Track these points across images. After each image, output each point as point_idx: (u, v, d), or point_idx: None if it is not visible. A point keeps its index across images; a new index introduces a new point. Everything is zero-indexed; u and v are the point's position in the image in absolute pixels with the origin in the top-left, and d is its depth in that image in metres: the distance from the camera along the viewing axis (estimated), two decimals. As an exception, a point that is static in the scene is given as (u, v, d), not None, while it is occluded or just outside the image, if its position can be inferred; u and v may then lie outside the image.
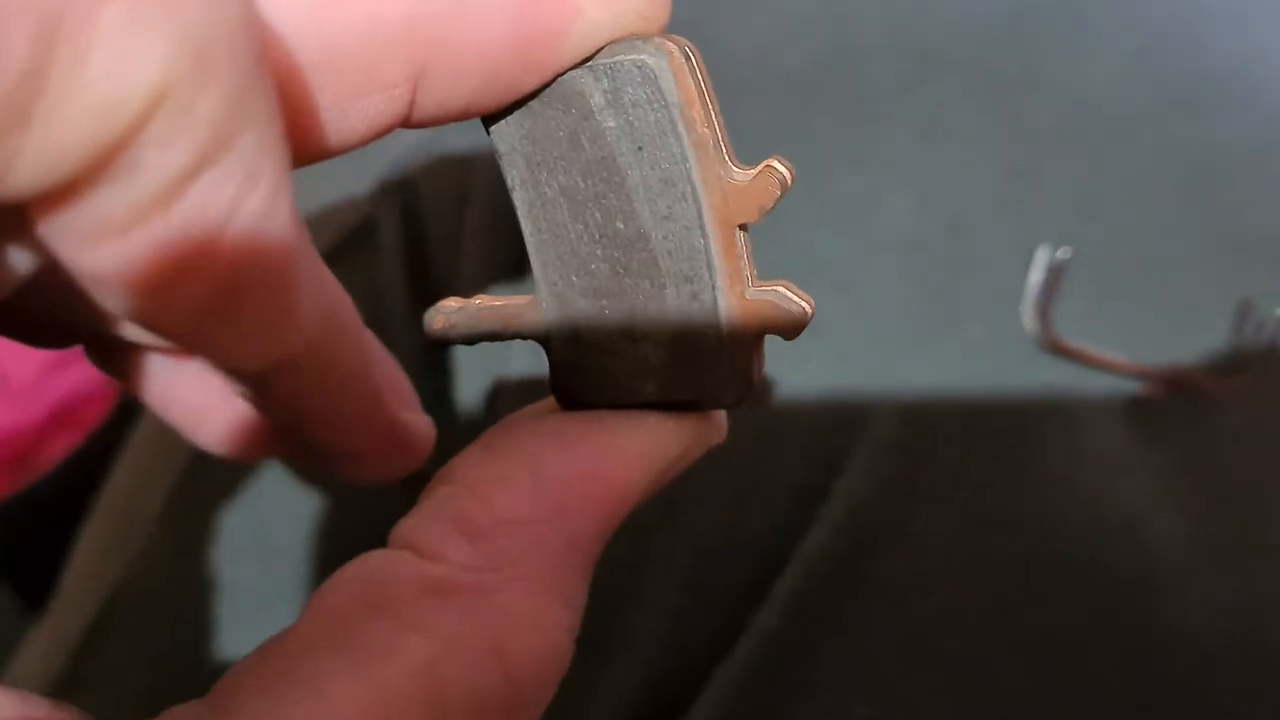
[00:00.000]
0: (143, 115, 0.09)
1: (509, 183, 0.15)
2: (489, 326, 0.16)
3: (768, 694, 0.23)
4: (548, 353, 0.15)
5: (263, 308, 0.11)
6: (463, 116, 0.14)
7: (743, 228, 0.14)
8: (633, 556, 0.25)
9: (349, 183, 0.29)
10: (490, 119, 0.14)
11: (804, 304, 0.14)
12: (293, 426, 0.16)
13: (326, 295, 0.13)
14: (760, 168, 0.14)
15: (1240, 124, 0.25)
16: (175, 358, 0.17)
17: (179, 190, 0.10)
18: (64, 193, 0.09)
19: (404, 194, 0.27)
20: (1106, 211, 0.24)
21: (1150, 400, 0.23)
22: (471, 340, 0.16)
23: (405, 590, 0.13)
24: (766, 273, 0.14)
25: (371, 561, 0.13)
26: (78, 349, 0.16)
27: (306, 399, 0.15)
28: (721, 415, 0.16)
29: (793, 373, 0.25)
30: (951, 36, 0.26)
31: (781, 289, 0.14)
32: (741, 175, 0.14)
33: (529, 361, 0.26)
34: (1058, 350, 0.23)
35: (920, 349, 0.24)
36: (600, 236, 0.15)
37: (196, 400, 0.18)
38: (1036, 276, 0.23)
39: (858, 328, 0.25)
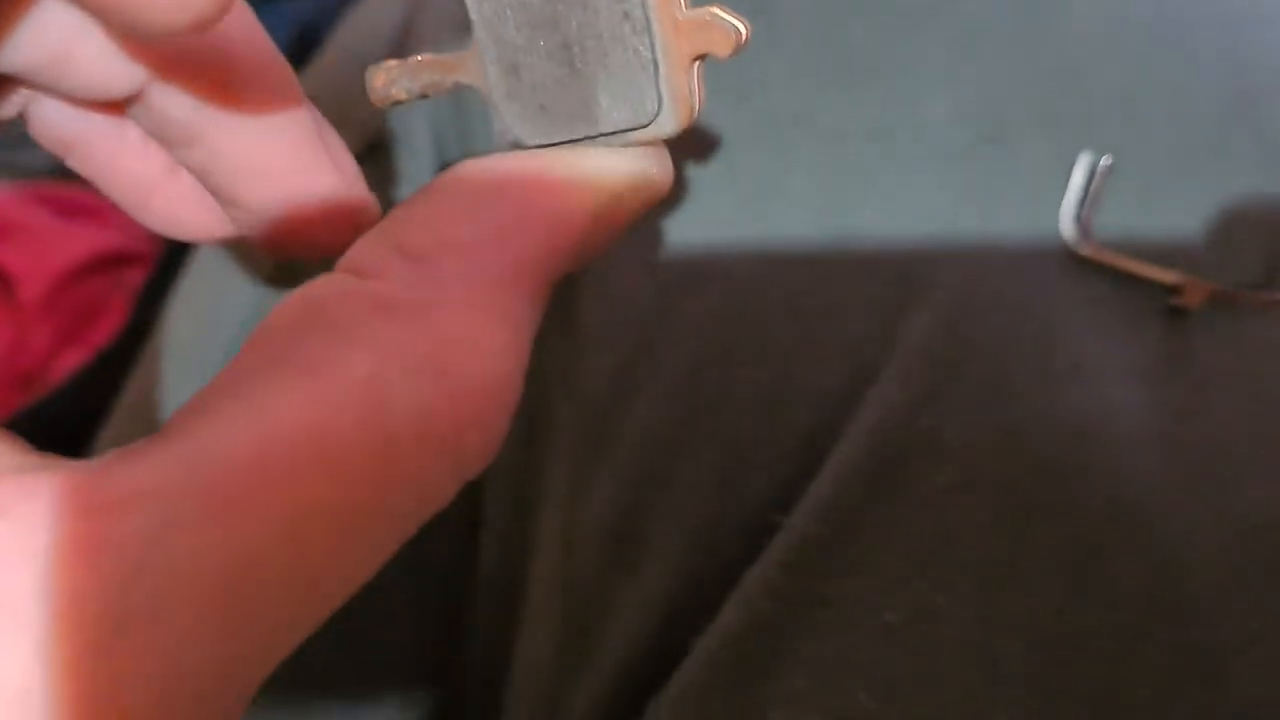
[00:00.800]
0: None
1: None
2: (430, 77, 0.16)
3: (798, 596, 0.23)
4: (487, 99, 0.16)
5: None
6: None
7: None
8: (664, 457, 0.25)
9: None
10: None
11: (738, 22, 0.14)
12: (224, 189, 0.17)
13: None
14: None
15: None
16: (116, 118, 0.18)
17: None
18: None
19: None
20: (1148, 123, 0.24)
21: (1185, 310, 0.23)
22: (416, 96, 0.16)
23: (346, 308, 0.13)
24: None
25: (314, 286, 0.14)
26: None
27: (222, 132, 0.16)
28: (664, 151, 0.16)
29: (827, 278, 0.25)
30: None
31: (715, 9, 0.14)
32: None
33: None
34: (1095, 259, 0.23)
35: (956, 259, 0.24)
36: None
37: (140, 173, 0.18)
38: (1076, 184, 0.24)
39: (894, 237, 0.25)
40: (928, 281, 0.24)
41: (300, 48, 0.44)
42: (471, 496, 0.28)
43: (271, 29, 0.17)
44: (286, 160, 0.17)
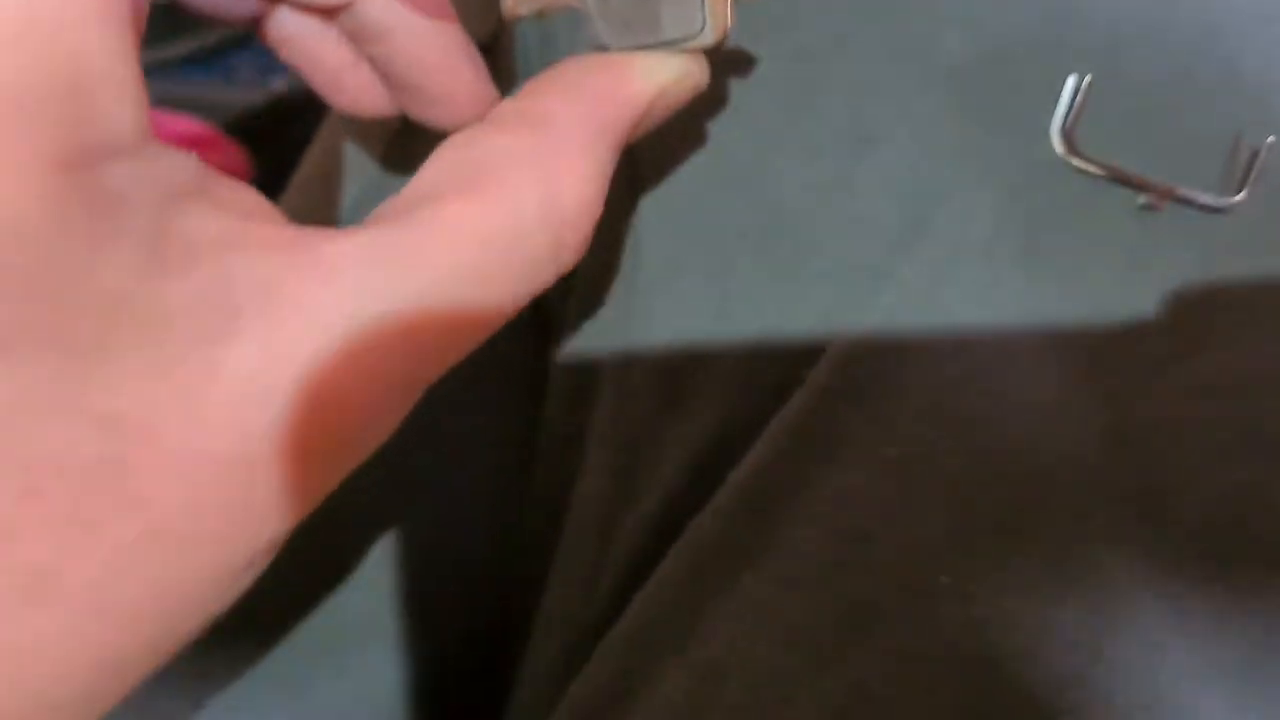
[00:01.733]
0: None
1: None
2: (547, 2, 0.24)
3: (813, 435, 0.28)
4: (586, 15, 0.23)
5: None
6: None
7: None
8: (707, 323, 0.30)
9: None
10: None
11: None
12: (399, 77, 0.24)
13: None
14: None
15: None
16: (321, 23, 0.25)
17: None
18: None
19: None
20: (1129, 54, 0.29)
21: (1153, 209, 0.28)
22: (534, 13, 0.24)
23: (494, 149, 0.20)
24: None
25: (467, 135, 0.21)
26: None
27: (403, 33, 0.23)
28: (703, 58, 0.23)
29: (851, 184, 0.29)
30: None
31: None
32: None
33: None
34: (1078, 167, 0.28)
35: (964, 165, 0.29)
36: None
37: (334, 63, 0.25)
38: (1064, 102, 0.28)
39: (909, 146, 0.29)
40: (941, 184, 0.29)
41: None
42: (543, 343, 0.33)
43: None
44: (445, 56, 0.24)
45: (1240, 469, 0.26)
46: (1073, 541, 0.26)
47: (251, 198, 0.18)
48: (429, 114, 0.25)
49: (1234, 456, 0.26)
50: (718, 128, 0.30)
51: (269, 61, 0.82)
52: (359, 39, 0.24)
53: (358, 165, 0.35)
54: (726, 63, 0.29)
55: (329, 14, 0.24)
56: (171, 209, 0.16)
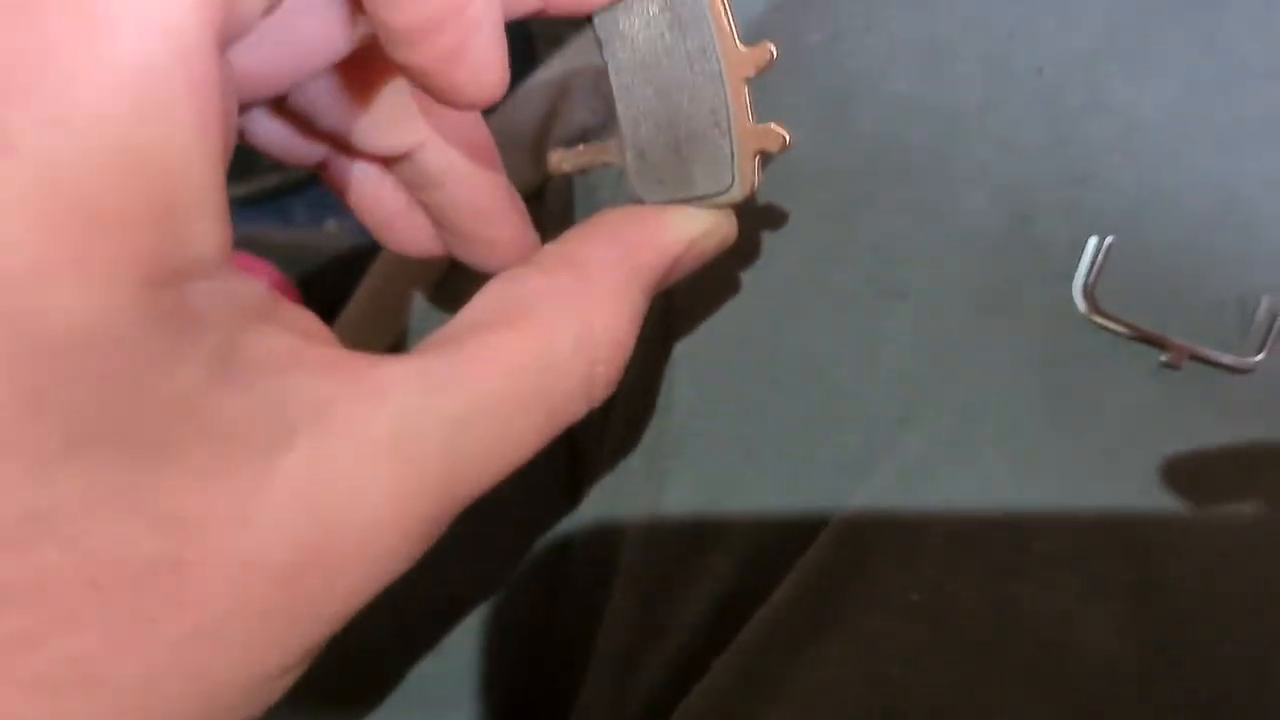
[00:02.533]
0: None
1: (604, 59, 0.24)
2: (587, 159, 0.26)
3: (840, 577, 0.28)
4: (624, 172, 0.25)
5: (474, 58, 0.20)
6: (575, 12, 0.23)
7: (746, 80, 0.23)
8: (735, 463, 0.30)
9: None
10: (593, 15, 0.23)
11: (786, 134, 0.23)
12: (450, 222, 0.26)
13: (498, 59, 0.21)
14: (757, 45, 0.22)
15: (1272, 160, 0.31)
16: (380, 171, 0.27)
17: None
18: None
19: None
20: (1149, 219, 0.30)
21: (1173, 367, 0.28)
22: (577, 170, 0.27)
23: (540, 291, 0.21)
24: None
25: (515, 275, 0.22)
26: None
27: (456, 182, 0.26)
28: (732, 214, 0.25)
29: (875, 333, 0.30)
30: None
31: (773, 125, 0.23)
32: (745, 47, 0.22)
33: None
34: (1100, 321, 0.29)
35: (988, 319, 0.30)
36: (659, 91, 0.24)
37: (390, 207, 0.28)
38: (1086, 260, 0.29)
39: (934, 300, 0.30)
40: (958, 345, 0.29)
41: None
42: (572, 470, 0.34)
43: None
44: (494, 205, 0.26)
45: (1259, 636, 0.26)
46: (1101, 701, 0.26)
47: (312, 323, 0.19)
48: (476, 257, 0.27)
49: (1255, 623, 0.26)
50: (749, 277, 0.31)
51: (323, 205, 0.86)
52: (415, 186, 0.26)
53: (404, 301, 0.36)
54: (758, 215, 0.31)
55: (389, 162, 0.26)
56: (241, 327, 0.17)
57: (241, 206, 0.85)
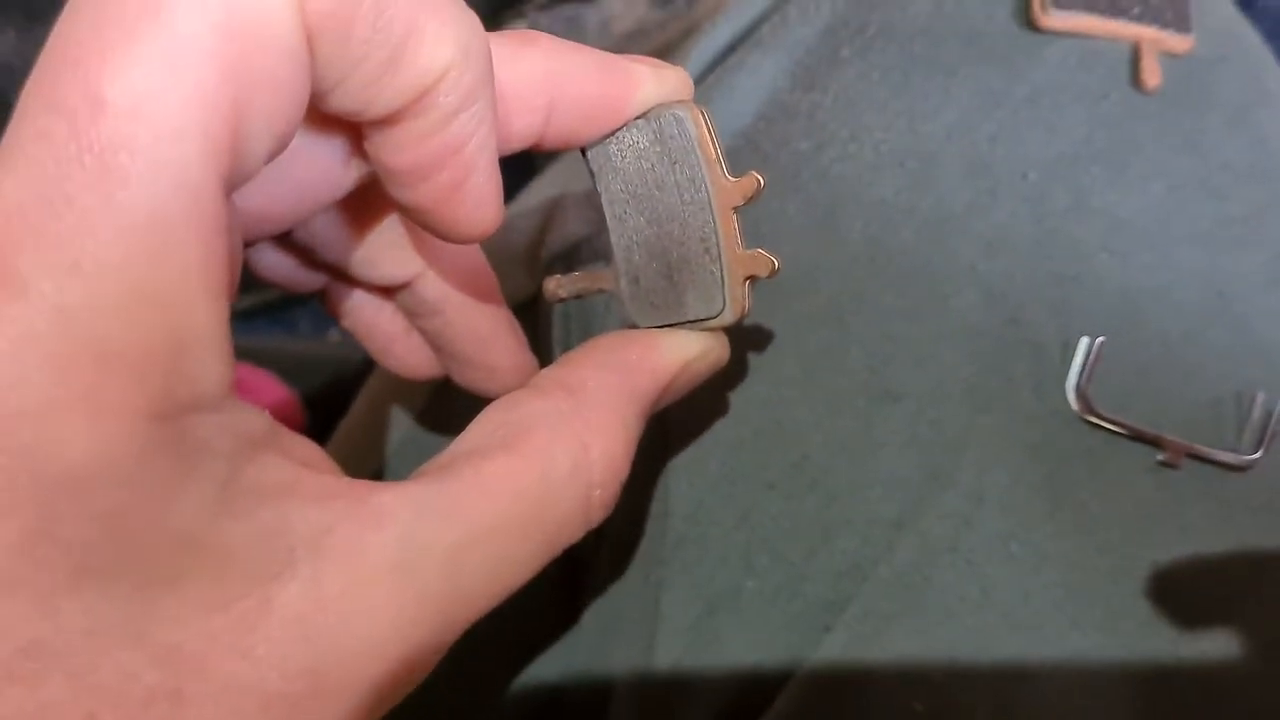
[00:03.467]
0: (438, 79, 0.18)
1: (597, 190, 0.25)
2: (582, 285, 0.26)
3: (838, 687, 0.28)
4: (618, 297, 0.25)
5: (471, 196, 0.21)
6: (568, 145, 0.24)
7: (735, 210, 0.23)
8: (733, 574, 0.30)
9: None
10: (586, 149, 0.24)
11: (775, 260, 0.23)
12: (448, 347, 0.27)
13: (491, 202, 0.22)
14: (745, 175, 0.23)
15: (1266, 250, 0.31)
16: (380, 298, 0.28)
17: (450, 121, 0.19)
18: (394, 117, 0.19)
19: (567, 271, 0.34)
20: (1140, 317, 0.30)
21: (1171, 466, 0.28)
22: (572, 295, 0.26)
23: (536, 414, 0.22)
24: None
25: (514, 399, 0.22)
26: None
27: (454, 309, 0.26)
28: (724, 337, 0.25)
29: (870, 445, 0.30)
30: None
31: (761, 251, 0.23)
32: (733, 179, 0.23)
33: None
34: (1094, 420, 0.29)
35: (982, 418, 0.30)
36: (651, 219, 0.24)
37: (388, 331, 0.28)
38: (1078, 360, 0.29)
39: (927, 400, 0.30)
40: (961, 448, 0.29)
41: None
42: (570, 599, 0.33)
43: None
44: (492, 333, 0.27)
45: None
46: None
47: (312, 451, 0.20)
48: (475, 382, 0.27)
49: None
50: (744, 382, 0.31)
51: (327, 316, 0.86)
52: (414, 313, 0.27)
53: (399, 417, 0.36)
54: (751, 321, 0.31)
55: (389, 291, 0.27)
56: (243, 457, 0.18)
57: (245, 318, 0.86)
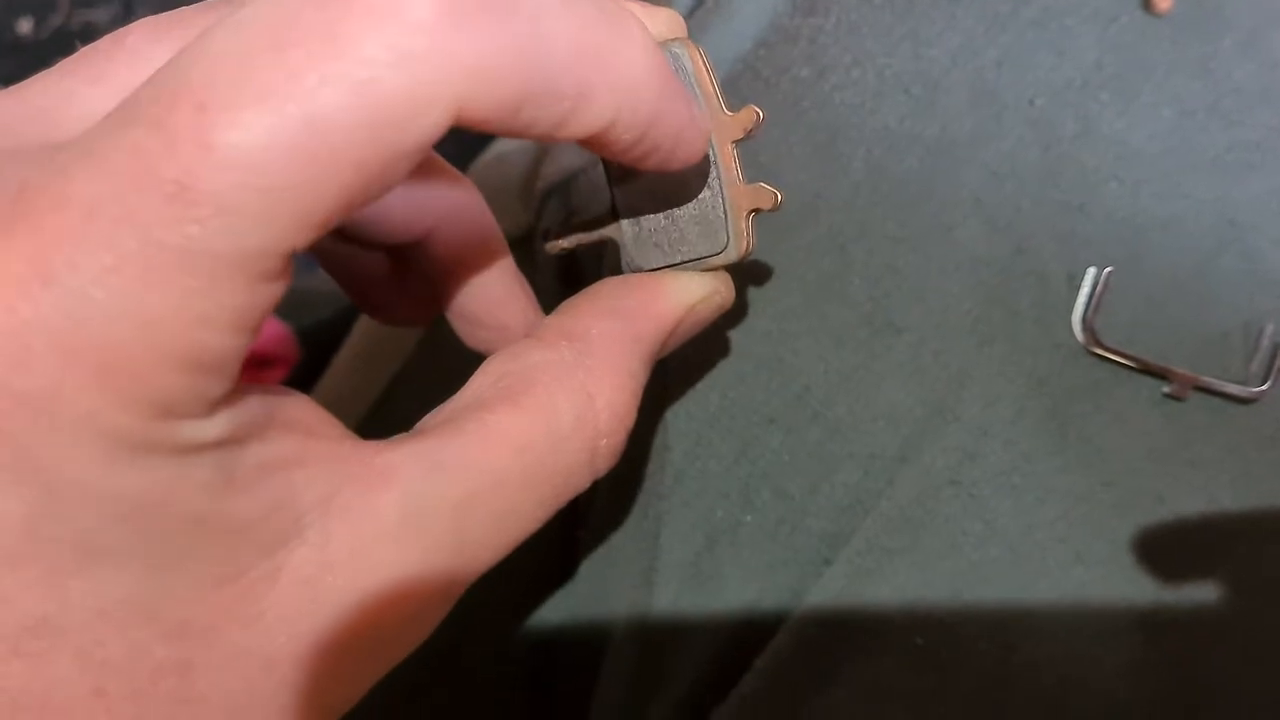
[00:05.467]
0: (609, 127, 0.18)
1: None
2: (583, 234, 0.26)
3: (840, 625, 0.28)
4: (620, 241, 0.25)
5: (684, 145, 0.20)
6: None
7: (735, 143, 0.23)
8: (732, 508, 0.30)
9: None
10: None
11: (777, 193, 0.23)
12: (457, 308, 0.26)
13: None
14: (744, 108, 0.22)
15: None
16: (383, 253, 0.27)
17: (639, 142, 0.19)
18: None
19: (564, 202, 0.33)
20: (1147, 246, 0.29)
21: (1177, 399, 0.28)
22: (574, 246, 0.26)
23: (539, 365, 0.21)
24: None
25: (514, 350, 0.22)
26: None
27: (464, 269, 0.25)
28: (728, 276, 0.25)
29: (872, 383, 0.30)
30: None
31: (763, 184, 0.23)
32: (732, 113, 0.23)
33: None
34: (1100, 352, 0.28)
35: (986, 351, 0.29)
36: None
37: (370, 276, 0.27)
38: (1084, 292, 0.28)
39: (931, 333, 0.30)
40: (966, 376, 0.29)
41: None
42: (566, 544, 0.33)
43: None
44: (504, 290, 0.26)
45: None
46: None
47: (315, 414, 0.19)
48: (485, 340, 0.26)
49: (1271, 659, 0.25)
50: (744, 315, 0.31)
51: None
52: (421, 273, 0.26)
53: (392, 354, 0.36)
54: (749, 264, 0.30)
55: (397, 250, 0.26)
56: (247, 434, 0.17)
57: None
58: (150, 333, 0.15)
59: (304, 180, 0.15)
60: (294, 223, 0.15)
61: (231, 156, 0.14)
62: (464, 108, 0.15)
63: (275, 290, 0.16)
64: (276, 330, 0.73)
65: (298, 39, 0.14)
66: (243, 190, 0.14)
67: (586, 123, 0.18)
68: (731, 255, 0.24)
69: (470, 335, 0.26)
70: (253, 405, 0.18)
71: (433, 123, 0.15)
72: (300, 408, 0.19)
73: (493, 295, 0.26)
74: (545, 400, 0.20)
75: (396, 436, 0.20)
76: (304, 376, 0.56)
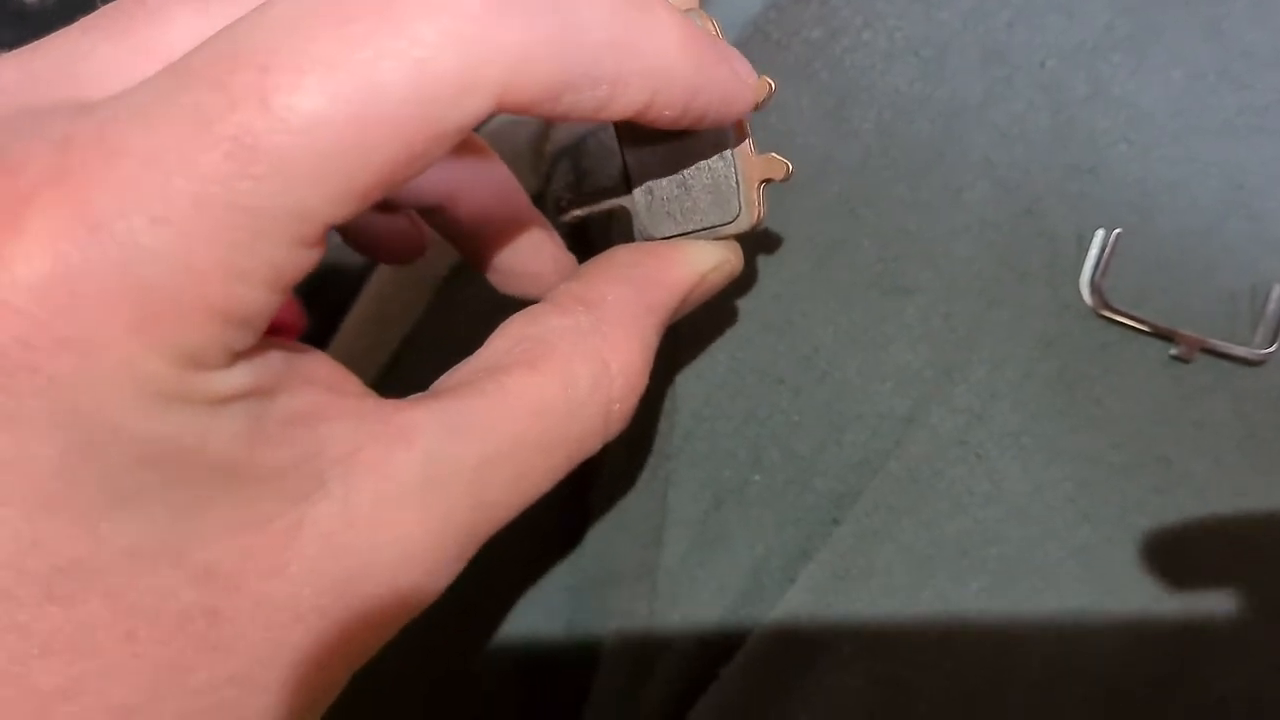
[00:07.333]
0: (647, 106, 0.19)
1: None
2: (596, 203, 0.26)
3: (843, 582, 0.28)
4: (633, 209, 0.25)
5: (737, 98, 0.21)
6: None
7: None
8: (740, 468, 0.30)
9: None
10: None
11: (789, 163, 0.23)
12: (491, 263, 0.27)
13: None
14: (758, 79, 0.22)
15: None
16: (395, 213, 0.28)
17: (684, 115, 0.20)
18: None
19: (574, 164, 0.34)
20: (1155, 209, 0.29)
21: (1184, 360, 0.28)
22: (586, 214, 0.27)
23: (554, 329, 0.22)
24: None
25: (531, 314, 0.22)
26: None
27: (495, 226, 0.26)
28: (738, 246, 0.25)
29: (881, 346, 0.30)
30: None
31: (775, 155, 0.23)
32: None
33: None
34: (1108, 314, 0.28)
35: (994, 313, 0.29)
36: (666, 135, 0.24)
37: (370, 220, 0.28)
38: (1093, 254, 0.29)
39: (940, 294, 0.30)
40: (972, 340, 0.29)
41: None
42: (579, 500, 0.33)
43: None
44: (533, 242, 0.27)
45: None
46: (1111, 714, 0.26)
47: (338, 372, 0.20)
48: (519, 287, 0.27)
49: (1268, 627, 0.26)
50: (754, 277, 0.31)
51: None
52: (452, 232, 0.27)
53: (404, 313, 0.36)
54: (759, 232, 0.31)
55: (425, 210, 0.27)
56: (272, 389, 0.18)
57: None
58: (192, 283, 0.15)
59: (356, 148, 0.15)
60: (341, 189, 0.16)
61: (291, 118, 0.15)
62: (506, 92, 0.16)
63: (311, 258, 0.17)
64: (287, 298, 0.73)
65: (358, 15, 0.15)
66: (299, 151, 0.15)
67: (623, 105, 0.19)
68: (743, 225, 0.24)
69: (504, 284, 0.27)
70: (275, 360, 0.18)
71: (477, 104, 0.16)
72: (321, 364, 0.19)
73: (521, 246, 0.26)
74: (563, 366, 0.21)
75: (414, 396, 0.20)
76: (311, 343, 0.57)
